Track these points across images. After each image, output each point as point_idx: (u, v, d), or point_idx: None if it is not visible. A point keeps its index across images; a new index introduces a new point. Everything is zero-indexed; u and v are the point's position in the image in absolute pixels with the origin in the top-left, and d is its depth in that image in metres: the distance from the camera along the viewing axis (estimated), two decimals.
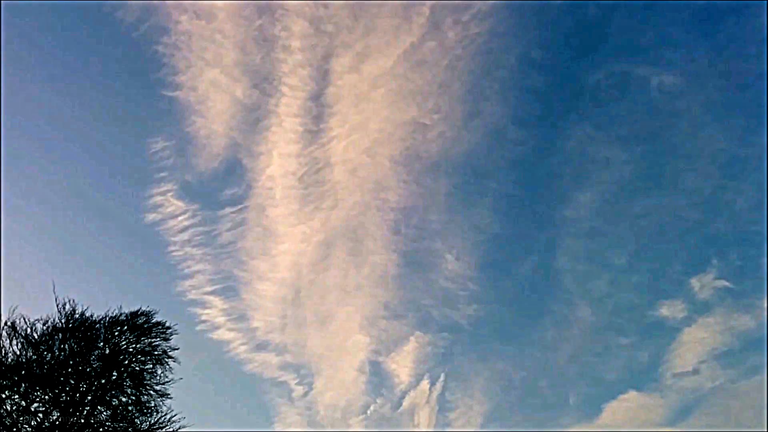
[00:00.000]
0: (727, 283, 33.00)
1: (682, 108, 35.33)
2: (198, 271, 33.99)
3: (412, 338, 34.93)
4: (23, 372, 13.12)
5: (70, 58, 34.09)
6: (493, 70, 35.09)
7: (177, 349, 15.45)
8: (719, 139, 34.98)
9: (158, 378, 14.75)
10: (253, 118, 34.08)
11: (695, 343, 32.91)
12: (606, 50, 35.98)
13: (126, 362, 14.43)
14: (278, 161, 34.88)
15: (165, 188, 33.07)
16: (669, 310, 33.62)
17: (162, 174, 33.11)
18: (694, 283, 33.70)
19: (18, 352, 13.47)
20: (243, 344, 33.77)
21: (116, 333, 14.57)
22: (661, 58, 34.85)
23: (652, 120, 35.75)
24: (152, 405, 14.37)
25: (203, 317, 33.28)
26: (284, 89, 33.41)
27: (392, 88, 34.92)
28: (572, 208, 36.12)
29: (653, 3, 34.84)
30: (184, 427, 14.60)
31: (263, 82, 33.63)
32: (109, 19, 31.44)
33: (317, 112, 34.10)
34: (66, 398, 13.48)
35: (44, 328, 13.98)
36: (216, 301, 33.76)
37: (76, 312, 14.44)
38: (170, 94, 32.84)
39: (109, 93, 34.87)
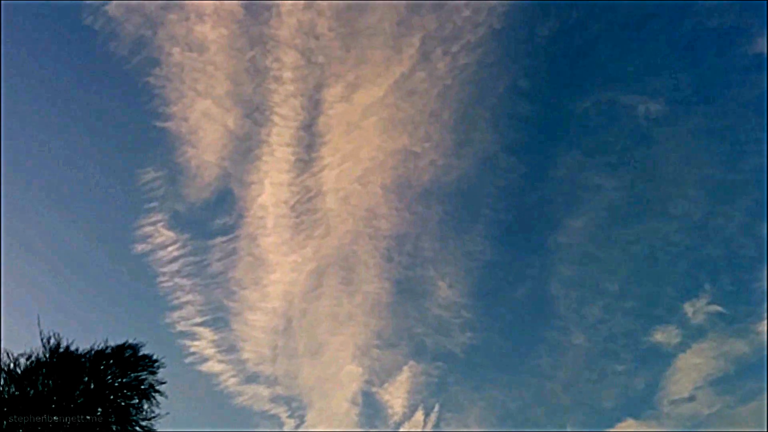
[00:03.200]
0: (720, 308, 32.99)
1: (669, 135, 35.78)
2: (187, 302, 33.65)
3: (405, 368, 34.52)
4: (5, 408, 12.80)
5: (61, 89, 34.22)
6: (483, 99, 35.48)
7: (164, 383, 15.20)
8: (707, 164, 35.35)
9: (144, 413, 14.47)
10: (245, 147, 34.21)
11: (690, 369, 32.76)
12: (593, 79, 36.49)
13: (111, 397, 14.12)
14: (270, 190, 34.91)
15: (155, 218, 33.00)
16: (663, 335, 33.51)
17: (152, 204, 33.07)
18: (688, 308, 33.66)
19: (0, 389, 13.19)
20: (233, 376, 33.23)
21: (102, 367, 14.30)
22: (646, 86, 35.35)
23: (640, 147, 36.14)
24: None
25: (192, 349, 32.81)
26: (276, 119, 33.64)
27: (383, 117, 35.20)
28: (564, 235, 36.17)
29: (637, 33, 35.56)
30: None
31: (255, 113, 33.86)
32: (101, 51, 31.70)
33: (309, 141, 34.29)
34: None
35: (28, 363, 13.73)
36: (205, 332, 33.33)
37: (61, 346, 14.21)
38: (162, 124, 33.00)
39: (100, 124, 34.94)
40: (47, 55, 33.74)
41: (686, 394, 32.52)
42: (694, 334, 33.32)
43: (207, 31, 32.28)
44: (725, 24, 33.78)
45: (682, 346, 33.16)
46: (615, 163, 36.28)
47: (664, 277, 35.76)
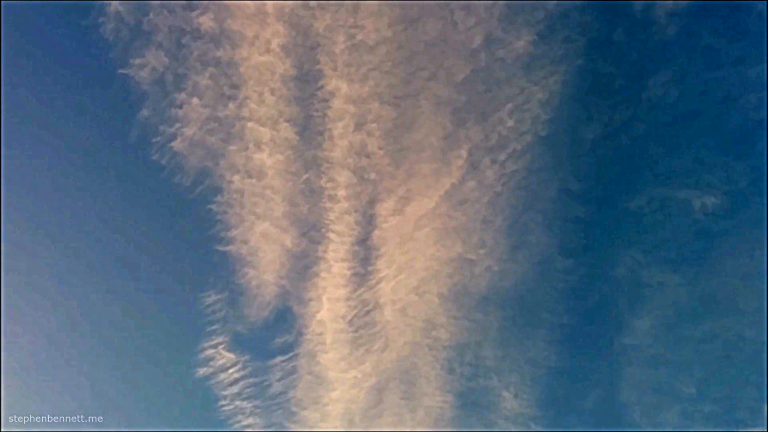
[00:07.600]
0: None
1: (729, 227, 35.00)
2: (248, 426, 33.28)
3: None
4: None
5: (130, 222, 35.75)
6: (534, 204, 35.61)
7: None
8: None
9: None
10: (302, 265, 34.89)
11: None
12: (644, 177, 36.28)
13: None
14: (327, 306, 35.09)
15: (217, 341, 33.40)
16: None
17: (214, 327, 33.60)
18: None
19: None
20: None
21: None
22: (699, 180, 35.04)
23: (699, 241, 35.34)
24: None
25: None
26: (331, 236, 34.43)
27: (436, 227, 35.57)
28: (631, 336, 34.88)
29: (684, 130, 35.78)
30: None
31: (311, 231, 34.76)
32: (167, 183, 33.45)
33: (364, 255, 34.79)
34: None
35: None
36: None
37: None
38: (223, 248, 34.08)
39: (164, 253, 36.16)
40: (117, 191, 35.61)
41: None
42: None
43: (264, 158, 33.91)
44: None
45: None
46: (676, 259, 35.47)
47: (743, 376, 33.88)
